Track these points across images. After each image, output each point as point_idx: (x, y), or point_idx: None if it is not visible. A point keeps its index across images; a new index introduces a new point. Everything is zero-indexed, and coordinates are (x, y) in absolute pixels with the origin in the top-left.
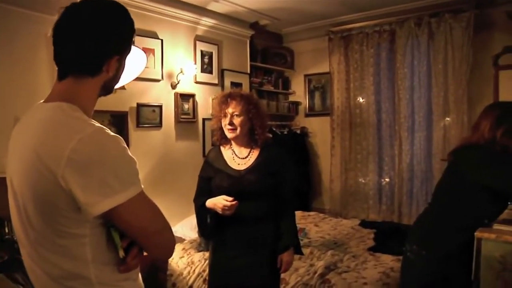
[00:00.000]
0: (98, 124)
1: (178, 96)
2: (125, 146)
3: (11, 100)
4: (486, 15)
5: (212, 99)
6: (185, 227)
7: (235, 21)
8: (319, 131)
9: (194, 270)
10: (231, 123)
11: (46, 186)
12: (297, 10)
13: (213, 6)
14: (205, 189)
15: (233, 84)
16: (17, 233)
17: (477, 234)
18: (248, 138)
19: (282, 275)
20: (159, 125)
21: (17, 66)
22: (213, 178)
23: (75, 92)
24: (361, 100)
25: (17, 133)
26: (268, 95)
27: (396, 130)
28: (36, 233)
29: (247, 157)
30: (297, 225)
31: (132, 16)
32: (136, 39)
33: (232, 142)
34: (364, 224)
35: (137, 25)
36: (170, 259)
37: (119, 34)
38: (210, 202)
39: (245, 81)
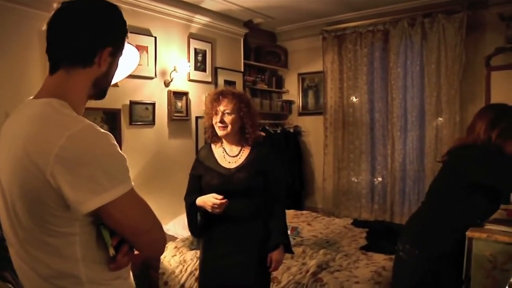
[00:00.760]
0: (87, 121)
1: (171, 94)
2: (115, 143)
3: (2, 96)
4: (479, 16)
5: (205, 97)
6: (178, 225)
7: (229, 19)
8: (312, 130)
9: (186, 269)
10: (222, 121)
11: (34, 184)
12: (291, 9)
13: (207, 4)
14: (195, 187)
15: (227, 82)
16: (6, 232)
17: (468, 233)
18: (239, 137)
19: (274, 274)
20: (152, 123)
21: (9, 62)
22: (203, 176)
23: (65, 87)
24: (354, 99)
25: (6, 130)
26: (261, 94)
27: (389, 130)
28: (25, 232)
29: (237, 155)
30: (289, 224)
31: (126, 13)
32: (130, 36)
33: (223, 140)
34: (357, 223)
35: (131, 22)
36: (162, 257)
37: (112, 27)
38: (200, 200)
39: (238, 80)
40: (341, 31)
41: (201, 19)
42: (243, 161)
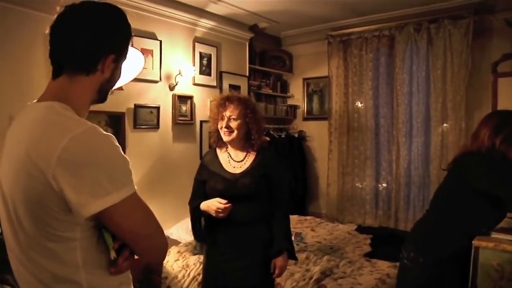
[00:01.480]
0: (90, 123)
1: (176, 98)
2: (118, 145)
3: (6, 99)
4: (485, 22)
5: (210, 101)
6: (181, 230)
7: (234, 24)
8: (317, 135)
9: (189, 274)
10: (227, 126)
11: (37, 187)
12: (297, 13)
13: (212, 8)
14: (200, 192)
15: (232, 86)
16: (6, 237)
17: (475, 242)
18: (245, 142)
19: (277, 280)
20: (156, 126)
21: (14, 64)
22: (207, 181)
23: (68, 91)
24: (359, 104)
25: (10, 134)
26: (266, 98)
27: (394, 135)
28: (27, 236)
29: (242, 160)
30: (293, 229)
31: (131, 17)
32: (135, 39)
33: (228, 145)
34: (361, 229)
35: (136, 25)
36: (165, 261)
37: (115, 33)
38: (204, 205)
39: (243, 84)
40: (347, 36)
41: (206, 23)
42: (248, 167)
